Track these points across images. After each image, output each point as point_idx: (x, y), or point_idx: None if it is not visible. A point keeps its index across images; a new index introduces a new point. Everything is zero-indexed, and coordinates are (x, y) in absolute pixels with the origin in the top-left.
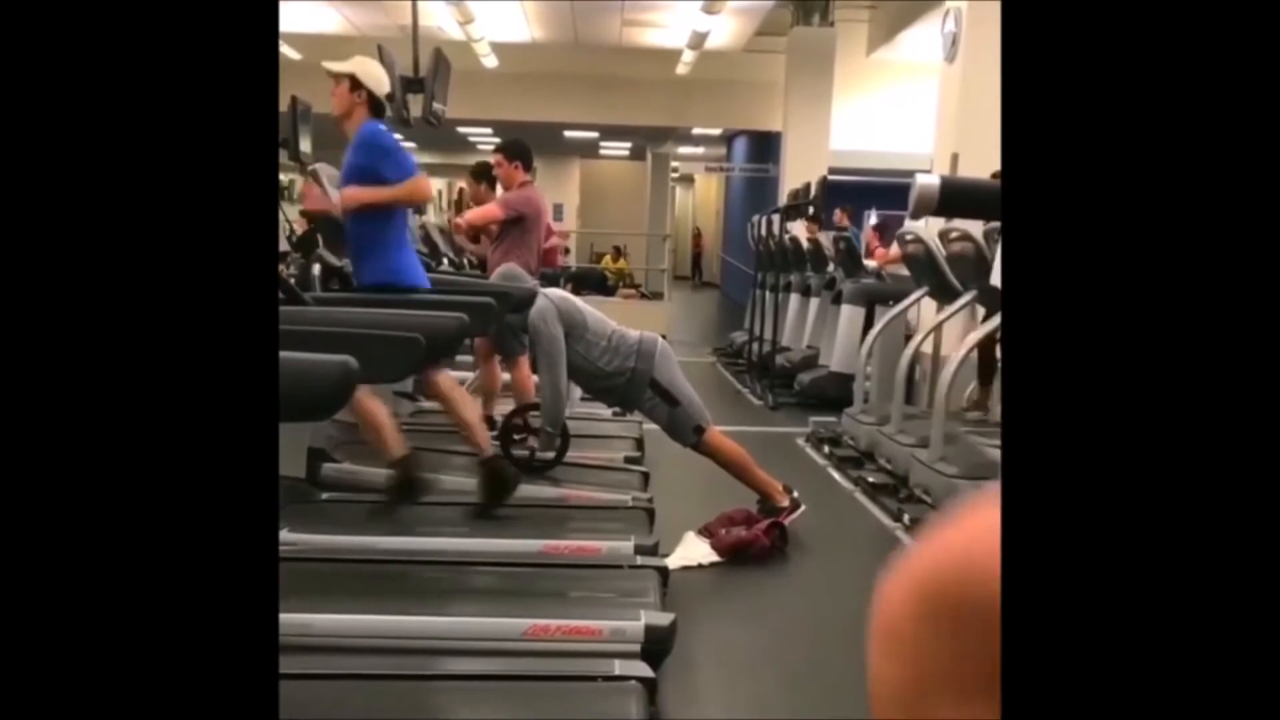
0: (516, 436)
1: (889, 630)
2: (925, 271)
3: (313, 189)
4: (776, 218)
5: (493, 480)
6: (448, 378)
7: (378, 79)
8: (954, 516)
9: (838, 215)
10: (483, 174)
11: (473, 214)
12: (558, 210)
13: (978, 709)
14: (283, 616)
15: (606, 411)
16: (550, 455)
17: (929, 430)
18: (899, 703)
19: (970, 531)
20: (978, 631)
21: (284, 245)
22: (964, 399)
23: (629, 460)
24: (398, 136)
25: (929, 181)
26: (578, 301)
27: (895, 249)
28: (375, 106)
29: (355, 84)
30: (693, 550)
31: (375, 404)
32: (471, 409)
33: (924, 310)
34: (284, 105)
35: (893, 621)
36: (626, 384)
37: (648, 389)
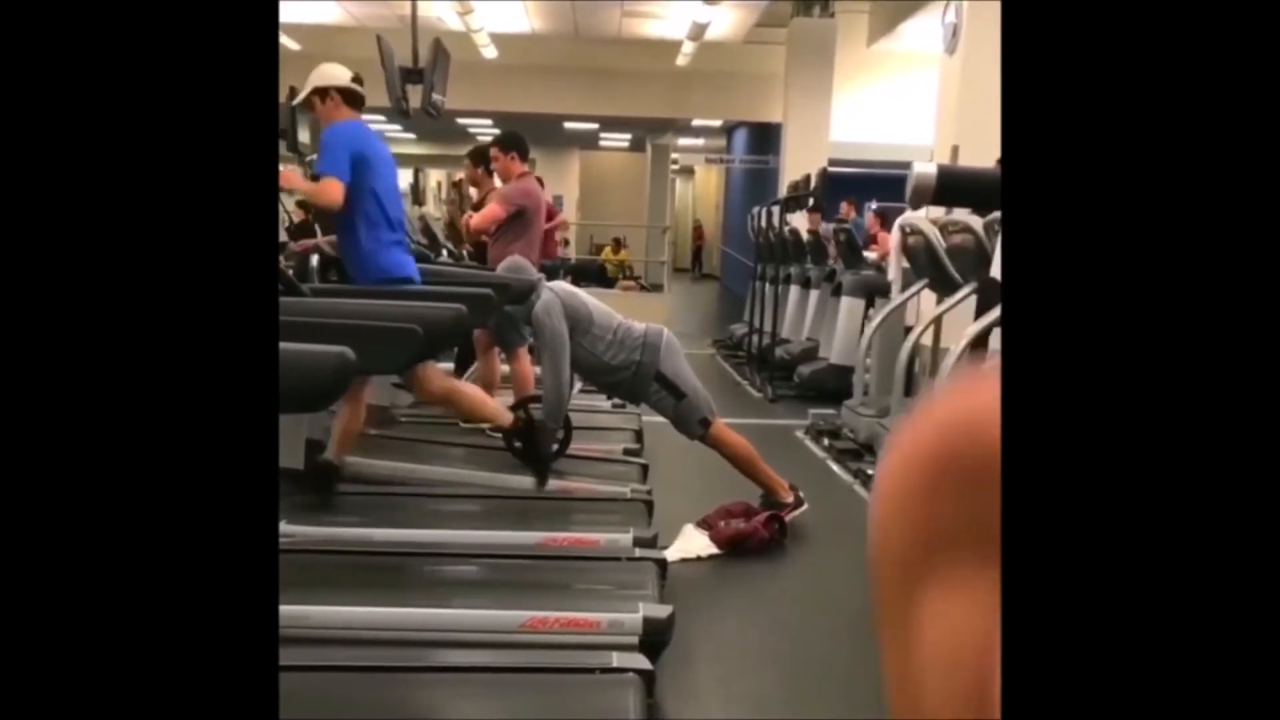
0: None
1: (894, 493)
2: (925, 263)
3: None
4: (776, 209)
5: (532, 438)
6: (438, 372)
7: (334, 75)
8: (953, 388)
9: (844, 208)
10: (480, 157)
11: (476, 219)
12: (557, 201)
13: (986, 569)
14: (281, 609)
15: (606, 403)
16: (553, 449)
17: None
18: (902, 567)
19: (976, 397)
20: (989, 491)
21: (281, 236)
22: None
23: (628, 452)
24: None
25: (926, 170)
26: (583, 295)
27: (895, 236)
28: (350, 97)
29: (323, 93)
30: (691, 543)
31: (466, 387)
32: (471, 393)
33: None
34: (283, 96)
35: (899, 484)
36: (632, 377)
37: (654, 382)
